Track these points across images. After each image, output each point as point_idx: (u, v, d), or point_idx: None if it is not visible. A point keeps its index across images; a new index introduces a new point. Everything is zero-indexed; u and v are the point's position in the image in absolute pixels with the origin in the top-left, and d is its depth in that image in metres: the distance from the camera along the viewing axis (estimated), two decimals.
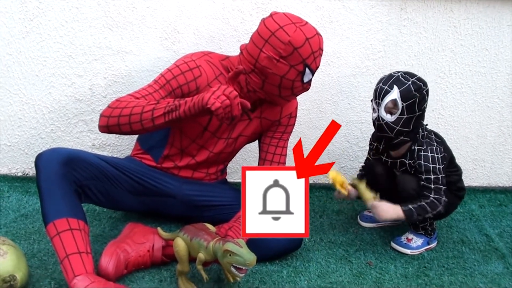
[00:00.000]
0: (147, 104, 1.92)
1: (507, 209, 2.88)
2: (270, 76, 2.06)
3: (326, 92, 2.83)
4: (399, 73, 2.27)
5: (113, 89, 2.70)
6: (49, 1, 2.56)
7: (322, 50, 2.09)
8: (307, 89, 2.14)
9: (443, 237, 2.56)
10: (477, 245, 2.52)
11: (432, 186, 2.28)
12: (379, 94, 2.27)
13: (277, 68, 2.04)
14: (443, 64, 2.85)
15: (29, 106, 2.70)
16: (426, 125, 2.43)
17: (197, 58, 2.13)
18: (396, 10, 2.73)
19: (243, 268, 1.87)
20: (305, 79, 2.09)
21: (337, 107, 2.86)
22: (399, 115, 2.25)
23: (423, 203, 2.27)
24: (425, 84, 2.27)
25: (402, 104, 2.23)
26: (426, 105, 2.31)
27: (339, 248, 2.41)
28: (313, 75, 2.10)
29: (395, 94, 2.23)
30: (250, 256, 1.85)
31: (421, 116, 2.31)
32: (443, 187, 2.29)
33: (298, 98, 2.78)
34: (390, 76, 2.28)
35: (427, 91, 2.28)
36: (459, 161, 2.54)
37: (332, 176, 2.36)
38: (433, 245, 2.47)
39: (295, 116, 2.34)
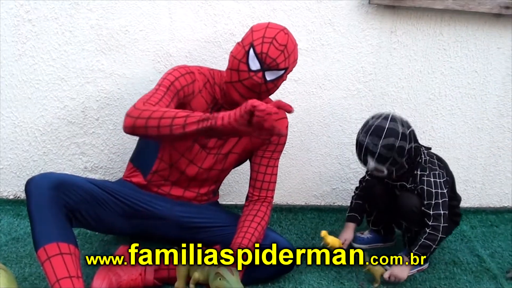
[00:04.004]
0: (180, 111, 1.81)
1: (498, 230, 2.90)
2: (228, 60, 2.11)
3: (317, 114, 2.84)
4: (366, 139, 2.26)
5: (106, 111, 2.71)
6: (42, 24, 2.58)
7: (281, 46, 2.05)
8: (257, 83, 2.04)
9: (435, 258, 2.57)
10: (469, 266, 2.53)
11: (431, 212, 2.29)
12: (361, 162, 2.32)
13: (234, 49, 2.11)
14: (433, 86, 2.88)
15: (21, 128, 2.71)
16: (430, 148, 2.45)
17: (188, 66, 2.17)
18: (387, 34, 2.76)
19: None
20: (252, 65, 2.05)
21: (328, 129, 2.87)
22: (388, 171, 2.29)
23: (422, 240, 2.28)
24: (397, 135, 2.25)
25: (385, 165, 2.27)
26: (413, 143, 2.31)
27: (331, 270, 2.41)
28: (262, 66, 2.04)
29: (372, 163, 2.27)
30: (237, 286, 1.86)
31: (412, 153, 2.31)
32: (443, 212, 2.29)
33: (290, 120, 2.80)
34: (360, 146, 2.29)
35: (403, 136, 2.26)
36: None
37: (330, 241, 2.40)
38: (425, 266, 2.47)
39: (285, 135, 2.33)
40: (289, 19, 2.68)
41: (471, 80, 2.90)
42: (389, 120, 2.27)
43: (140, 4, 2.59)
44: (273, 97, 2.75)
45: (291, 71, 2.16)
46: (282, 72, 2.08)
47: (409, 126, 2.30)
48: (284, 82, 2.76)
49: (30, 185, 1.99)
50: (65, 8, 2.56)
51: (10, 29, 2.57)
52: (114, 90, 2.69)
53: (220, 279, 1.86)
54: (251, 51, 2.05)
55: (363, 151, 2.27)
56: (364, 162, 2.29)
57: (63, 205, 1.99)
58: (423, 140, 2.94)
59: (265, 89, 2.08)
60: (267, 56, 2.04)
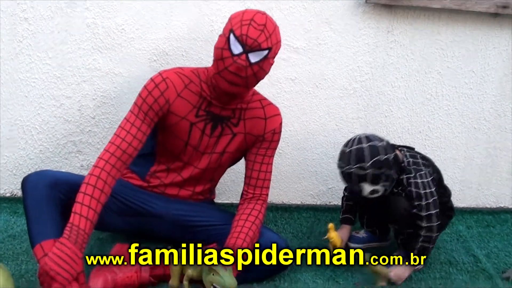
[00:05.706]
0: (84, 193, 1.97)
1: (494, 230, 2.89)
2: (213, 54, 2.09)
3: (313, 113, 2.84)
4: (352, 168, 2.25)
5: (102, 110, 2.71)
6: (39, 23, 2.58)
7: (260, 25, 2.03)
8: (242, 66, 2.02)
9: (430, 258, 2.56)
10: (465, 266, 2.53)
11: (423, 213, 2.29)
12: (354, 191, 2.32)
13: (217, 42, 2.08)
14: (430, 86, 2.88)
15: (17, 127, 2.71)
16: (413, 148, 2.45)
17: (165, 71, 2.14)
18: (383, 33, 2.76)
19: None
20: (234, 49, 2.02)
21: (324, 129, 2.87)
22: (384, 187, 2.29)
23: (420, 243, 2.30)
24: (377, 151, 2.25)
25: (379, 184, 2.27)
26: (392, 152, 2.29)
27: (326, 269, 2.41)
28: (244, 48, 2.02)
29: (368, 187, 2.27)
30: (231, 281, 1.87)
31: (395, 162, 2.31)
32: (434, 212, 2.29)
33: (285, 119, 2.80)
34: (348, 176, 2.28)
35: (382, 148, 2.26)
36: (446, 182, 2.55)
37: (334, 236, 2.39)
38: (420, 266, 2.47)
39: (279, 132, 2.31)
40: (286, 18, 2.68)
41: (468, 80, 2.90)
42: (363, 141, 2.26)
43: (136, 3, 2.60)
44: (271, 97, 2.75)
45: (276, 53, 2.12)
46: (265, 52, 2.05)
47: (381, 139, 2.30)
48: (280, 81, 2.75)
49: (26, 183, 2.00)
50: (61, 7, 2.57)
51: (6, 28, 2.57)
52: (110, 89, 2.69)
53: (213, 274, 1.87)
54: (231, 36, 2.03)
55: (353, 179, 2.27)
56: (358, 189, 2.29)
57: (58, 203, 2.00)
58: (419, 140, 2.94)
59: (251, 73, 2.05)
60: (247, 37, 2.01)
